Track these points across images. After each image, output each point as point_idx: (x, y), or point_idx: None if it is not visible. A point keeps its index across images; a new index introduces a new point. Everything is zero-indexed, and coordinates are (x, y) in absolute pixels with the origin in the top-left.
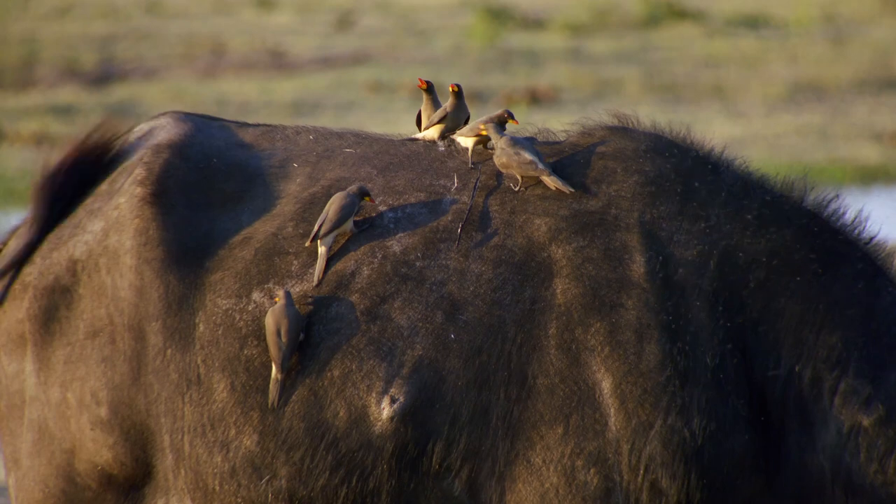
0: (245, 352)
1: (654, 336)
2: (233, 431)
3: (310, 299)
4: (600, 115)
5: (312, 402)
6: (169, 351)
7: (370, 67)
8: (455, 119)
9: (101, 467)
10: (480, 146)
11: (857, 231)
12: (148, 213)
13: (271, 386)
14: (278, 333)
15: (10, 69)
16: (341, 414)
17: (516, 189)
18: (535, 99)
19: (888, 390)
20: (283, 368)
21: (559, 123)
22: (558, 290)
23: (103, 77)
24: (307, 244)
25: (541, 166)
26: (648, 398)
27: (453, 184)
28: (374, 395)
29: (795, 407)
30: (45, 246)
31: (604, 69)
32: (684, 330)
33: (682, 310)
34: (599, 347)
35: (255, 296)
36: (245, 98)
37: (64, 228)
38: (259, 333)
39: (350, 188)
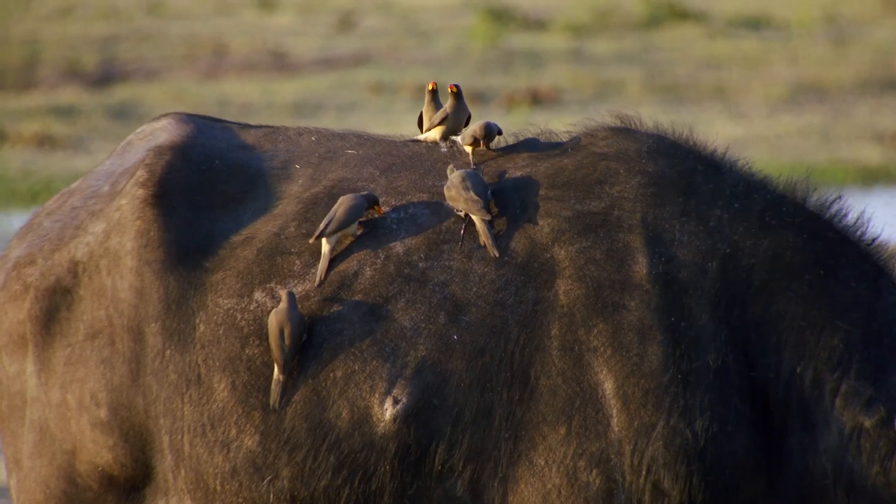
0: (247, 351)
1: (656, 337)
2: (234, 431)
3: (312, 299)
4: (602, 115)
5: (315, 402)
6: (168, 352)
7: (371, 68)
8: (456, 120)
9: (102, 468)
10: (482, 147)
11: (859, 232)
12: (149, 215)
13: (273, 387)
14: (281, 335)
15: (11, 70)
16: (344, 414)
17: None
18: (537, 100)
19: (890, 392)
20: (284, 370)
21: (561, 124)
22: (561, 291)
23: (105, 78)
24: (311, 241)
25: (482, 209)
26: (651, 399)
27: None
28: (376, 395)
29: (797, 408)
30: (47, 247)
31: (605, 70)
32: (687, 331)
33: (684, 311)
34: (602, 348)
35: (257, 295)
36: (246, 99)
37: (66, 229)
38: (261, 333)
39: (360, 192)
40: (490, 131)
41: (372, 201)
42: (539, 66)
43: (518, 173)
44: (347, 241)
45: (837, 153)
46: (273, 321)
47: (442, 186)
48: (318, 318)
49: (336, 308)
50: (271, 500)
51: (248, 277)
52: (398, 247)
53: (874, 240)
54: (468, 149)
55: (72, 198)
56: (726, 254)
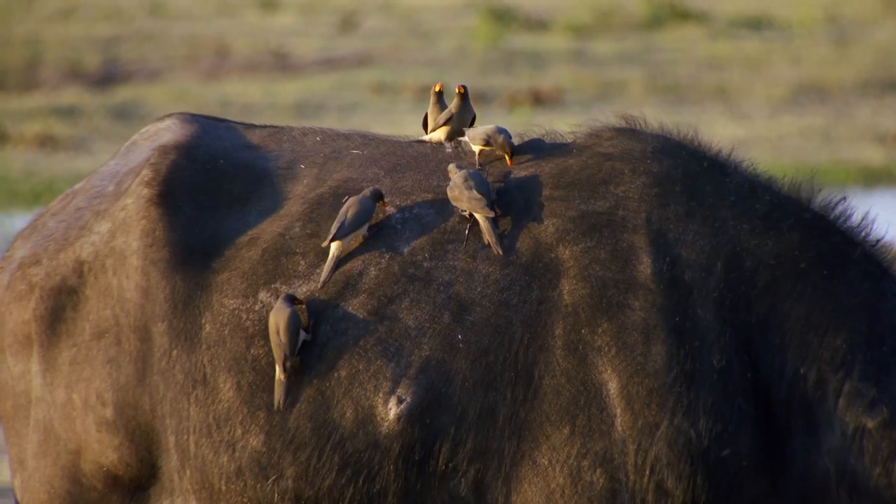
0: (252, 351)
1: (660, 337)
2: (239, 431)
3: (317, 299)
4: (607, 116)
5: (319, 401)
6: (174, 351)
7: (373, 69)
8: (461, 120)
9: (107, 468)
10: (488, 148)
11: (863, 233)
12: (154, 215)
13: (276, 387)
14: (278, 335)
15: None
16: (348, 414)
17: (468, 220)
18: (539, 100)
19: (893, 393)
20: (284, 369)
21: (563, 125)
22: (565, 291)
23: (107, 78)
24: (324, 245)
25: (485, 207)
26: (655, 399)
27: None
28: (381, 395)
29: (800, 409)
30: (52, 247)
31: (607, 70)
32: (691, 331)
33: (688, 311)
34: (606, 348)
35: (262, 295)
36: (248, 99)
37: (71, 229)
38: (265, 333)
39: (364, 192)
40: (510, 143)
41: (377, 196)
42: (541, 66)
43: (523, 173)
44: (357, 243)
45: (839, 154)
46: (272, 321)
47: (447, 186)
48: (322, 317)
49: (340, 308)
50: (276, 499)
51: (253, 278)
52: (403, 247)
53: (878, 241)
54: (476, 149)
55: (76, 198)
56: (731, 254)
